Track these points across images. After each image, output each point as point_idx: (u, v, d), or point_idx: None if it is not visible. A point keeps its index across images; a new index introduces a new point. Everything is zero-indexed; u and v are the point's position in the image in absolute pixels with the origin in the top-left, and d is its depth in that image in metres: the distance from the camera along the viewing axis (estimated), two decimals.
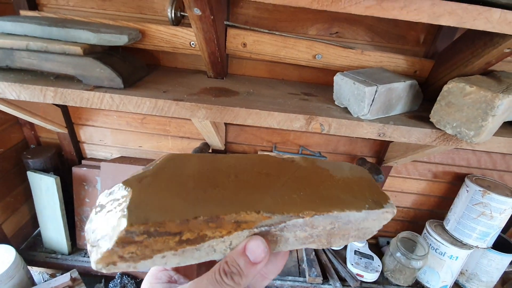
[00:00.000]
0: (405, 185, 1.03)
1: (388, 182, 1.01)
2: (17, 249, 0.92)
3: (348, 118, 0.57)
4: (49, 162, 0.92)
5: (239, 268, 0.19)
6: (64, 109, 0.89)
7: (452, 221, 0.96)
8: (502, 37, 0.48)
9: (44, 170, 0.91)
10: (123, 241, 0.18)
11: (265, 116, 0.56)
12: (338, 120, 0.56)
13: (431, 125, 0.57)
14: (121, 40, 0.61)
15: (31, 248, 1.01)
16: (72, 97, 0.57)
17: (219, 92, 0.63)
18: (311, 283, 0.96)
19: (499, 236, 0.92)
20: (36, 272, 1.03)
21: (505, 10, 0.43)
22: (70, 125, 0.93)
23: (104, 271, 0.18)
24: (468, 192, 0.90)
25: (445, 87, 0.53)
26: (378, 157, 0.95)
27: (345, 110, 0.60)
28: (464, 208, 0.91)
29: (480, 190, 0.86)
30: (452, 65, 0.61)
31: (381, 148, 0.93)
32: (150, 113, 0.58)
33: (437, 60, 0.68)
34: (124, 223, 0.18)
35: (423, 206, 1.08)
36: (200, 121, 0.66)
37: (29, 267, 0.93)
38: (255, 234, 0.21)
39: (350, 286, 0.96)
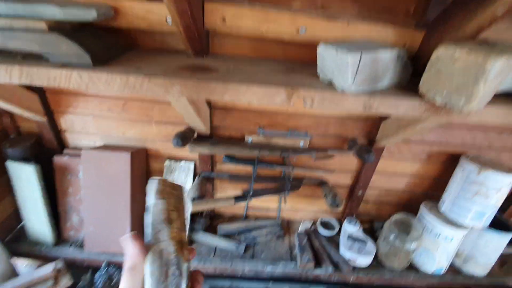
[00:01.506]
0: (399, 167, 1.00)
1: (381, 165, 0.98)
2: (2, 241, 0.90)
3: (332, 91, 0.54)
4: (29, 151, 0.89)
5: None
6: (42, 95, 0.85)
7: (447, 202, 0.93)
8: None
9: (25, 160, 0.88)
10: None
11: (243, 91, 0.53)
12: (320, 93, 0.53)
13: (420, 96, 0.54)
14: (90, 14, 0.57)
15: (16, 240, 0.99)
16: (39, 76, 0.54)
17: (197, 69, 0.60)
18: (303, 268, 0.94)
19: (496, 217, 0.90)
20: (23, 265, 1.00)
21: None
22: (49, 113, 0.89)
23: None
24: (463, 171, 0.87)
25: (434, 54, 0.49)
26: (369, 138, 0.92)
27: (330, 84, 0.57)
28: (460, 188, 0.89)
29: (475, 169, 0.84)
30: (443, 32, 0.57)
31: (372, 128, 0.90)
32: (121, 91, 0.54)
33: (427, 30, 0.64)
34: None
35: (417, 188, 1.06)
36: (176, 100, 0.63)
37: (15, 259, 0.91)
38: None
39: (343, 271, 0.95)
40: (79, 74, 0.53)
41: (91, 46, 0.57)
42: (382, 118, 0.86)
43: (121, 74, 0.53)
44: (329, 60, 0.55)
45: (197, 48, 0.67)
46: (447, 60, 0.48)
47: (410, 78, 0.60)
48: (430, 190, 1.05)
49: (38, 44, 0.55)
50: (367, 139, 0.93)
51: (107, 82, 0.54)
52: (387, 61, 0.54)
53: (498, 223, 0.93)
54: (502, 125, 0.89)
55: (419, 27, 0.68)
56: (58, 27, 0.56)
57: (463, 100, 0.47)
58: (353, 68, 0.50)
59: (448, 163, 0.97)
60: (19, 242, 0.98)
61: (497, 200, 0.85)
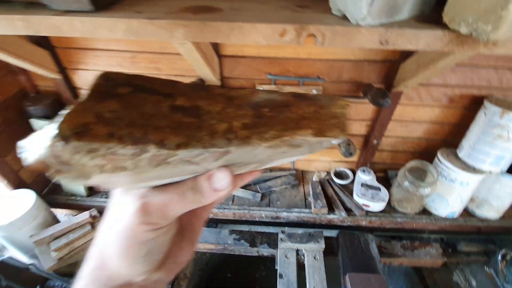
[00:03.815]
0: (417, 113, 0.96)
1: (398, 112, 0.95)
2: (40, 194, 0.99)
3: (345, 25, 0.50)
4: (49, 109, 0.92)
5: (202, 190, 0.21)
6: (52, 52, 0.86)
7: (466, 148, 0.91)
8: None
9: (46, 117, 0.92)
10: None
11: (248, 30, 0.50)
12: (332, 27, 0.49)
13: (443, 27, 0.49)
14: None
15: (52, 192, 1.08)
16: (43, 25, 0.53)
17: (200, 9, 0.57)
18: (316, 214, 0.99)
19: None
20: (62, 214, 1.11)
21: None
22: (62, 70, 0.91)
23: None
24: (486, 115, 0.83)
25: None
26: (386, 83, 0.87)
27: (343, 18, 0.53)
28: (480, 132, 0.85)
29: (498, 111, 0.79)
30: None
31: (390, 72, 0.85)
32: (126, 37, 0.53)
33: None
34: None
35: (436, 135, 1.02)
36: (181, 46, 0.61)
37: (52, 209, 1.01)
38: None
39: (355, 215, 0.98)
40: (82, 20, 0.52)
41: None
42: (400, 60, 0.80)
43: (124, 18, 0.51)
44: None
45: None
46: None
47: (433, 8, 0.55)
48: (449, 137, 1.02)
49: None
50: (384, 84, 0.88)
51: (111, 28, 0.53)
52: None
53: None
54: None
55: None
56: None
57: (490, 27, 0.43)
58: None
59: (470, 108, 0.92)
60: (55, 195, 1.07)
61: None
